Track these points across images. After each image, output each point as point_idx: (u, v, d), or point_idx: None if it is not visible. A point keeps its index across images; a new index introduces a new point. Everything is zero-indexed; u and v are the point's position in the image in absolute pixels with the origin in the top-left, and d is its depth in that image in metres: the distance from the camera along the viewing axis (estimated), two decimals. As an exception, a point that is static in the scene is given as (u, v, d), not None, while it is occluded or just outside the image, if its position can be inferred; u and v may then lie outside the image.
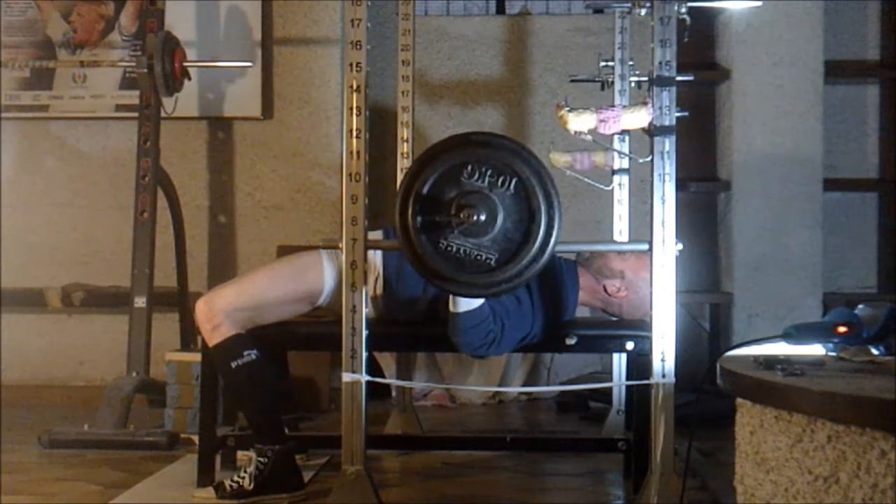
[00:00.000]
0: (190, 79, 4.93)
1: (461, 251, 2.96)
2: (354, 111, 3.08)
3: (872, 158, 5.70)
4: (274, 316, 3.52)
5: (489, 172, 2.96)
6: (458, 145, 3.01)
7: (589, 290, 3.61)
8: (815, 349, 2.36)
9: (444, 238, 2.96)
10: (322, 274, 3.50)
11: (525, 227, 2.96)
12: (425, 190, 2.97)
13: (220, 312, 3.45)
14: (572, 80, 4.54)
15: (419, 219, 2.97)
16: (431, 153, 3.01)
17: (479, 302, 3.22)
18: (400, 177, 4.35)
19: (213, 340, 3.47)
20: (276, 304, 3.51)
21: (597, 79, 4.38)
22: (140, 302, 4.63)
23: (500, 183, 2.96)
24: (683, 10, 3.10)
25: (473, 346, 3.29)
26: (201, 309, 3.48)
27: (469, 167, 2.96)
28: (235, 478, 3.45)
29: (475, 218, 2.92)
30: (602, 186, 4.00)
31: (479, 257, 2.97)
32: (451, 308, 3.23)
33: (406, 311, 3.52)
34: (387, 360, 4.92)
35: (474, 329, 3.24)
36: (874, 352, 2.29)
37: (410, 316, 3.52)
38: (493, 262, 2.97)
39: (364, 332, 3.09)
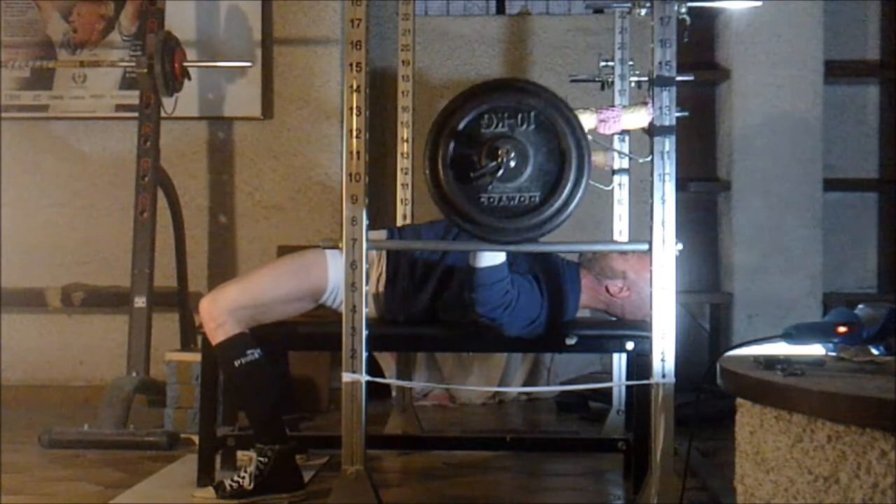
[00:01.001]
0: (190, 79, 4.93)
1: (504, 199, 2.98)
2: (354, 111, 3.08)
3: (872, 158, 5.70)
4: (277, 314, 3.53)
5: (506, 115, 2.97)
6: (467, 99, 3.01)
7: (591, 291, 3.60)
8: (815, 349, 2.36)
9: (483, 192, 2.97)
10: (326, 272, 3.50)
11: (557, 156, 2.98)
12: (451, 150, 2.97)
13: (223, 311, 3.45)
14: (572, 80, 4.55)
15: (454, 181, 2.97)
16: (444, 116, 3.00)
17: (501, 259, 3.24)
18: (400, 177, 4.35)
19: (216, 339, 3.47)
20: (279, 302, 3.51)
21: (597, 79, 4.38)
22: (140, 302, 4.63)
23: (520, 122, 2.97)
24: (683, 10, 3.11)
25: (490, 304, 3.29)
26: (205, 307, 3.48)
27: (485, 117, 2.97)
28: (235, 478, 3.45)
29: (508, 157, 2.92)
30: (602, 186, 4.01)
31: (522, 199, 2.98)
32: (473, 263, 3.24)
33: (407, 311, 3.52)
34: (387, 360, 4.92)
35: (494, 286, 3.25)
36: (874, 352, 2.29)
37: (411, 315, 3.52)
38: (537, 199, 2.98)
39: (364, 332, 3.09)
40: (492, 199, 2.98)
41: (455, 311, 3.48)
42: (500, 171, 2.94)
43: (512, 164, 2.94)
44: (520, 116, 2.97)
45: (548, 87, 3.06)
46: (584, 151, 2.98)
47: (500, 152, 2.93)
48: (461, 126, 2.98)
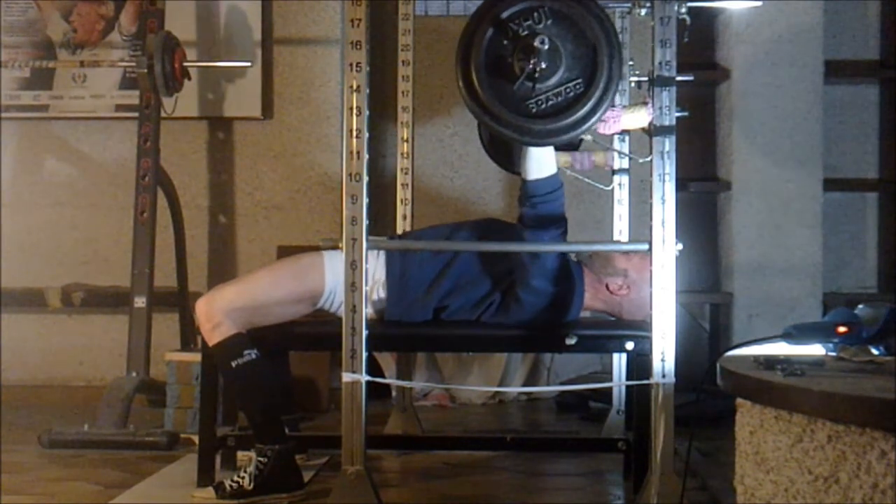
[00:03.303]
0: (190, 79, 4.92)
1: (551, 96, 3.01)
2: (354, 111, 3.08)
3: (872, 158, 5.70)
4: (275, 316, 3.52)
5: (522, 18, 3.00)
6: (479, 19, 3.04)
7: (592, 289, 3.60)
8: (815, 349, 2.36)
9: (529, 100, 3.00)
10: (323, 275, 3.50)
11: (584, 37, 3.00)
12: (483, 74, 3.01)
13: (220, 312, 3.45)
14: (572, 80, 4.54)
15: (498, 102, 3.00)
16: (465, 41, 3.04)
17: (551, 169, 3.30)
18: (400, 177, 4.34)
19: (213, 340, 3.47)
20: (276, 304, 3.51)
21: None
22: (140, 302, 4.63)
23: (537, 19, 2.99)
24: (683, 10, 3.10)
25: (552, 212, 3.33)
26: (201, 308, 3.48)
27: (500, 29, 2.99)
28: (235, 478, 3.45)
29: (541, 47, 2.92)
30: (602, 186, 4.01)
31: (568, 91, 3.00)
32: (526, 176, 3.30)
33: (410, 314, 3.51)
34: (387, 360, 4.92)
35: (549, 196, 3.30)
36: (874, 352, 2.29)
37: (414, 318, 3.51)
38: (581, 86, 3.00)
39: (364, 332, 3.09)
40: (540, 103, 3.00)
41: (460, 315, 3.49)
42: (537, 71, 2.93)
43: (543, 63, 2.93)
44: (535, 15, 3.00)
45: None
46: (606, 23, 3.01)
47: (535, 45, 2.93)
48: (483, 50, 3.01)
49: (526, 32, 2.98)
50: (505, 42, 3.00)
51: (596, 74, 3.00)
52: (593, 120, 3.04)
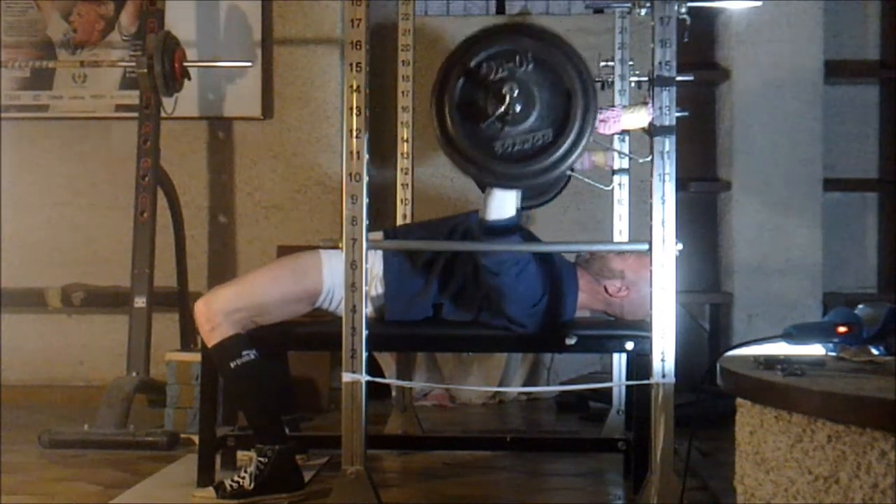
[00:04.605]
0: (190, 79, 4.92)
1: (518, 142, 2.98)
2: (354, 111, 3.08)
3: (872, 158, 5.70)
4: (273, 317, 3.53)
5: (504, 60, 2.97)
6: (463, 52, 3.01)
7: (589, 291, 3.61)
8: (815, 349, 2.36)
9: (496, 140, 2.97)
10: (321, 274, 3.50)
11: (562, 88, 2.97)
12: (456, 105, 2.98)
13: (219, 312, 3.45)
14: (572, 80, 4.54)
15: (465, 137, 2.98)
16: (443, 74, 3.01)
17: (511, 212, 3.25)
18: (400, 177, 4.35)
19: (212, 340, 3.47)
20: (275, 304, 3.51)
21: (597, 79, 4.37)
22: (140, 302, 4.63)
23: (518, 63, 2.97)
24: (683, 10, 3.10)
25: (501, 257, 3.30)
26: (200, 309, 3.48)
27: (483, 66, 2.97)
28: (235, 478, 3.45)
29: (513, 95, 2.91)
30: (602, 186, 4.00)
31: (536, 139, 2.98)
32: (484, 217, 3.26)
33: (407, 312, 3.51)
34: (387, 360, 4.92)
35: (505, 239, 3.27)
36: (874, 352, 2.29)
37: (411, 316, 3.52)
38: (550, 136, 2.98)
39: (364, 332, 3.09)
40: (506, 146, 2.98)
41: (460, 311, 3.49)
42: (508, 115, 2.93)
43: (518, 107, 2.93)
44: (517, 59, 2.97)
45: (537, 24, 3.08)
46: (588, 86, 2.98)
47: (504, 92, 2.92)
48: (460, 84, 2.98)
49: (503, 74, 2.95)
50: (480, 81, 2.96)
51: (567, 125, 2.97)
52: (558, 170, 3.03)
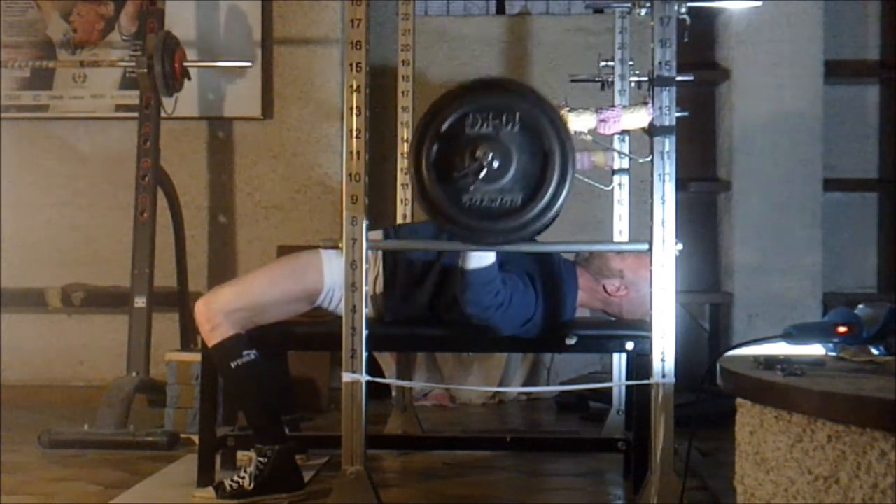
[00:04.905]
0: (190, 79, 4.93)
1: (486, 200, 2.96)
2: (354, 111, 3.08)
3: (872, 158, 5.70)
4: (273, 316, 3.53)
5: (491, 116, 2.96)
6: (452, 99, 3.00)
7: (588, 290, 3.61)
8: (815, 349, 2.36)
9: (465, 192, 2.96)
10: (321, 274, 3.50)
11: (541, 158, 2.96)
12: (434, 151, 2.97)
13: (219, 312, 3.45)
14: (572, 80, 4.54)
15: (436, 182, 2.96)
16: (429, 116, 3.00)
17: (490, 260, 3.23)
18: (400, 177, 4.35)
19: (212, 340, 3.47)
20: (275, 304, 3.51)
21: (597, 79, 4.38)
22: (140, 302, 4.63)
23: (504, 123, 2.95)
24: (683, 10, 3.10)
25: (482, 304, 3.28)
26: (200, 309, 3.48)
27: (470, 117, 2.96)
28: (235, 478, 3.45)
29: (489, 158, 2.91)
30: (602, 186, 4.01)
31: (504, 201, 2.96)
32: (463, 265, 3.23)
33: (406, 311, 3.52)
34: (387, 360, 4.92)
35: (484, 287, 3.24)
36: (874, 352, 2.29)
37: (410, 315, 3.52)
38: (518, 202, 2.96)
39: (364, 332, 3.09)
40: (473, 200, 2.96)
41: (455, 309, 3.48)
42: (482, 173, 2.92)
43: (495, 164, 2.92)
44: (504, 117, 2.95)
45: (534, 87, 3.06)
46: (568, 154, 2.96)
47: (478, 154, 2.92)
48: (445, 127, 2.96)
49: (487, 130, 2.94)
50: (463, 131, 2.96)
51: (538, 193, 2.96)
52: (525, 232, 3.01)
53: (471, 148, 2.93)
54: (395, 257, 3.53)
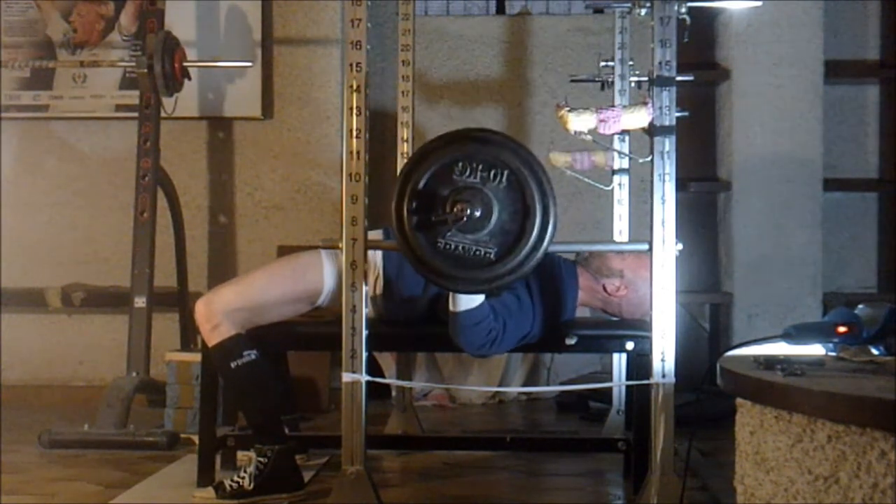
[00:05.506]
0: (190, 79, 4.93)
1: (460, 248, 2.96)
2: (354, 111, 3.08)
3: (872, 158, 5.70)
4: (273, 316, 3.53)
5: (480, 167, 2.96)
6: (448, 143, 3.01)
7: (588, 289, 3.61)
8: (815, 349, 2.36)
9: (441, 236, 2.96)
10: (321, 274, 3.50)
11: (521, 218, 2.96)
12: (420, 188, 2.97)
13: (219, 312, 3.45)
14: (572, 80, 4.55)
15: (415, 219, 2.97)
16: (422, 153, 3.01)
17: (479, 300, 3.21)
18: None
19: (212, 340, 3.47)
20: (275, 304, 3.51)
21: (597, 79, 4.38)
22: (140, 302, 4.63)
23: (492, 177, 2.96)
24: (683, 10, 3.10)
25: (476, 345, 3.28)
26: (200, 309, 3.48)
27: (460, 164, 2.96)
28: (235, 478, 3.45)
29: (469, 213, 2.92)
30: (602, 186, 4.00)
31: (478, 252, 2.96)
32: (452, 308, 3.22)
33: (406, 311, 3.52)
34: (387, 360, 4.92)
35: (475, 328, 3.23)
36: (874, 352, 2.29)
37: (410, 316, 3.52)
38: (492, 256, 2.97)
39: (364, 332, 3.09)
40: (448, 246, 2.96)
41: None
42: (459, 223, 2.93)
43: (477, 213, 2.93)
44: (493, 172, 2.96)
45: (526, 147, 3.05)
46: (549, 217, 2.96)
47: (456, 208, 2.92)
48: (432, 171, 2.96)
49: (474, 181, 2.94)
50: (451, 177, 2.96)
51: (514, 250, 2.96)
52: (490, 286, 3.01)
53: (451, 199, 2.94)
54: (397, 258, 3.52)
